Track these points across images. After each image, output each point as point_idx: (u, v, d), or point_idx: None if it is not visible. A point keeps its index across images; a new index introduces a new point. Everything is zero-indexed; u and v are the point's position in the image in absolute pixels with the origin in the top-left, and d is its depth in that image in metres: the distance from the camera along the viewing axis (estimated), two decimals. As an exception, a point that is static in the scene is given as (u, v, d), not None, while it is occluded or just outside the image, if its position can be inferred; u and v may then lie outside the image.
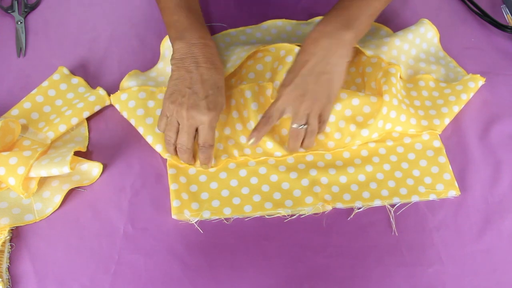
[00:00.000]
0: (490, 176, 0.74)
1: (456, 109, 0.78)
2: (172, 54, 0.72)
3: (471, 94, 0.80)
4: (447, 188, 0.72)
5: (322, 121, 0.72)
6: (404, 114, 0.75)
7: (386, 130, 0.75)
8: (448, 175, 0.73)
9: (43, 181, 0.70)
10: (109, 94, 0.78)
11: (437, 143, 0.76)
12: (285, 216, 0.69)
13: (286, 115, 0.71)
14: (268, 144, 0.74)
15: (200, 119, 0.67)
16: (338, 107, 0.76)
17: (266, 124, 0.70)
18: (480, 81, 0.81)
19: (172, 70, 0.71)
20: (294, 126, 0.70)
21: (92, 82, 0.81)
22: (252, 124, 0.75)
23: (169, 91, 0.69)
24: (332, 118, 0.75)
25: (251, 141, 0.71)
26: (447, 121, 0.77)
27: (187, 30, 0.71)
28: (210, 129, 0.68)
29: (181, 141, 0.69)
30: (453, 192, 0.72)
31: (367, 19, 0.72)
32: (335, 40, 0.69)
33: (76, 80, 0.80)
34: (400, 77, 0.80)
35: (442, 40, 0.89)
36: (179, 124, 0.69)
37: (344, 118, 0.76)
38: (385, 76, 0.78)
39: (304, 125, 0.70)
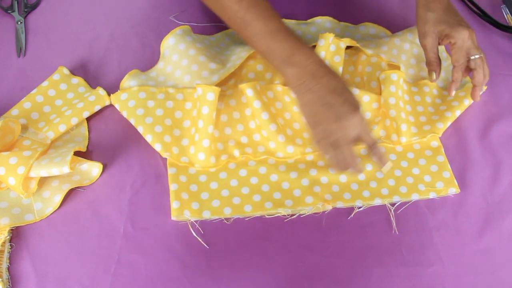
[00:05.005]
0: (490, 176, 0.74)
1: (458, 113, 0.79)
2: (289, 81, 0.68)
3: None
4: (447, 185, 0.72)
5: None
6: (404, 123, 0.76)
7: (391, 140, 0.76)
8: (448, 173, 0.73)
9: (43, 181, 0.70)
10: (109, 94, 0.78)
11: (435, 144, 0.76)
12: (285, 216, 0.69)
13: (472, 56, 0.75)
14: (271, 144, 0.74)
15: (352, 124, 0.64)
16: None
17: (459, 71, 0.76)
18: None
19: (298, 97, 0.68)
20: (473, 57, 0.75)
21: (92, 82, 0.81)
22: (256, 121, 0.75)
23: (309, 120, 0.67)
24: None
25: (453, 92, 0.77)
26: (449, 124, 0.78)
27: (292, 55, 0.67)
28: (366, 128, 0.66)
29: (346, 155, 0.65)
30: (453, 189, 0.72)
31: None
32: None
33: (76, 80, 0.80)
34: (404, 80, 0.80)
35: (442, 40, 0.89)
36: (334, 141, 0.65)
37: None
38: (385, 83, 0.78)
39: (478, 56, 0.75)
